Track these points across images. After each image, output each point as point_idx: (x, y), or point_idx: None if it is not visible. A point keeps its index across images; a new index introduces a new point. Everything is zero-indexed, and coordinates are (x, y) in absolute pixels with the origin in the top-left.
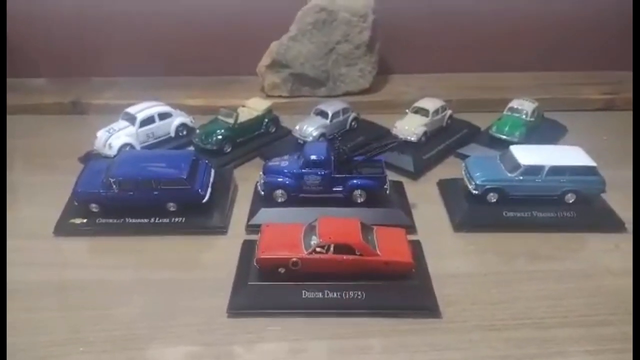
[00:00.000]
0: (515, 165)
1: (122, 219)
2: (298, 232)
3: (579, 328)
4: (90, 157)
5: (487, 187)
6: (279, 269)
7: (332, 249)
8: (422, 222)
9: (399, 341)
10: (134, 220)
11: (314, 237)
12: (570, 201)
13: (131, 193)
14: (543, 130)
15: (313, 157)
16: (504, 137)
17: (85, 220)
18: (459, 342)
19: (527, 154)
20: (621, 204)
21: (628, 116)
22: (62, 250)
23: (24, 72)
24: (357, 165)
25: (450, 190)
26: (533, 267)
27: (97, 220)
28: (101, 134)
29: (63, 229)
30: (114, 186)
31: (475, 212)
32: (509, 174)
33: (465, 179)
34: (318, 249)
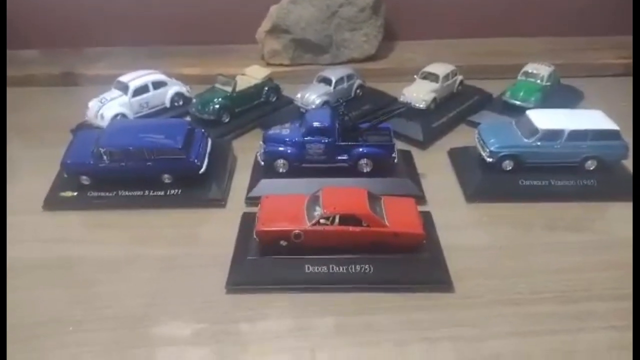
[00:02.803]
0: (532, 130)
1: (114, 192)
2: (301, 203)
3: (603, 302)
4: (82, 129)
5: (503, 154)
6: (281, 242)
7: (337, 220)
8: (433, 192)
9: (409, 317)
10: (127, 193)
11: (317, 208)
12: (591, 168)
13: (123, 164)
14: (559, 96)
15: (316, 124)
16: (519, 102)
17: (75, 194)
18: (473, 317)
19: (545, 118)
20: None
21: None
22: (51, 225)
23: (13, 43)
24: (362, 133)
25: (462, 159)
26: (551, 238)
27: (88, 194)
28: (93, 104)
29: (53, 203)
30: (105, 157)
31: (489, 181)
32: (526, 140)
33: (479, 147)
34: (322, 220)
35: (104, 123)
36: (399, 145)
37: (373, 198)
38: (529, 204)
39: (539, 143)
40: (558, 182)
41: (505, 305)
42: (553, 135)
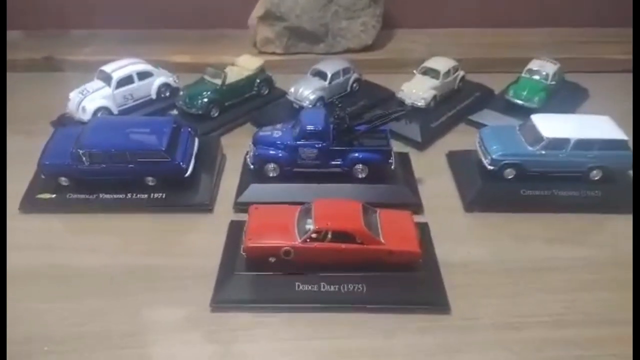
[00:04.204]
0: (537, 138)
1: (95, 195)
2: (291, 215)
3: (604, 328)
4: (63, 122)
5: (505, 162)
6: (269, 258)
7: (329, 236)
8: (430, 200)
9: (404, 341)
10: (108, 196)
11: (309, 222)
12: (596, 178)
13: (104, 166)
14: (563, 95)
15: (309, 127)
16: (522, 102)
17: (54, 196)
18: (470, 342)
19: (550, 125)
20: None
21: None
22: (27, 229)
23: None
24: (358, 136)
25: (461, 163)
26: (553, 253)
27: (67, 196)
28: (74, 96)
29: (29, 204)
30: (84, 158)
31: (489, 189)
32: (530, 148)
33: (480, 152)
34: (313, 236)
35: (85, 116)
36: (396, 146)
37: (368, 212)
38: (530, 215)
39: (543, 152)
40: (561, 192)
41: (504, 329)
42: (559, 144)
